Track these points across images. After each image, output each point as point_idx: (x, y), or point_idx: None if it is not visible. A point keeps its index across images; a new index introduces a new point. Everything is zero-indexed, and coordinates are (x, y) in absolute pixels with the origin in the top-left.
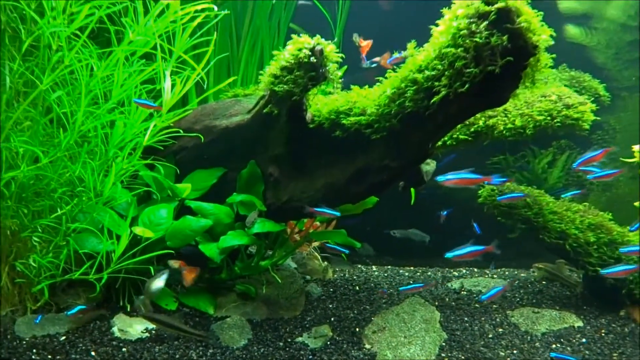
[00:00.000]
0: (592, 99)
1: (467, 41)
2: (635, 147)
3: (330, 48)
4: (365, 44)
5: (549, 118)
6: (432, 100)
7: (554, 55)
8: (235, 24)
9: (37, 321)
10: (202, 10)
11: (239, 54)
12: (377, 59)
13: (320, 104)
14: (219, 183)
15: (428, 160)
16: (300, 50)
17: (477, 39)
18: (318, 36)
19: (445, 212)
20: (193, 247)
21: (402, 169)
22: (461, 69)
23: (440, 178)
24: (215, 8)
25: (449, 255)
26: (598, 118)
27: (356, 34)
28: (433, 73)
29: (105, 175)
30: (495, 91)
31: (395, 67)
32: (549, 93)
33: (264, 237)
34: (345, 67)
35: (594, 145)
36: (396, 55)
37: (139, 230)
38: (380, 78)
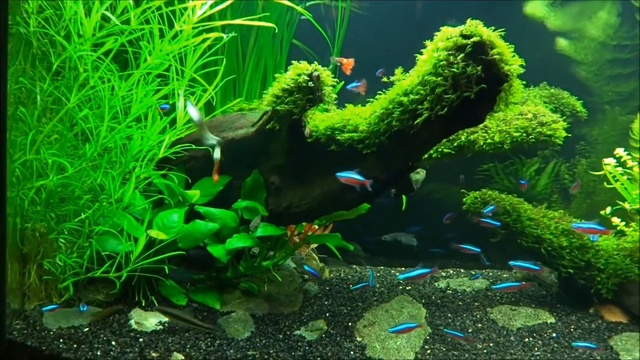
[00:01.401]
0: (570, 114)
1: (446, 71)
2: (606, 160)
3: (326, 74)
4: (347, 62)
5: (524, 134)
6: (416, 121)
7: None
8: (241, 42)
9: (84, 309)
10: (212, 29)
11: (244, 70)
12: (361, 85)
13: (318, 120)
14: (225, 190)
15: (418, 170)
16: (299, 75)
17: (455, 69)
18: (315, 63)
19: (448, 215)
20: (201, 249)
21: (390, 180)
22: (441, 95)
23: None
24: (225, 36)
25: (400, 277)
26: (569, 135)
27: (333, 57)
28: (417, 97)
29: (124, 183)
30: (473, 112)
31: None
32: (525, 111)
33: (266, 239)
34: (342, 82)
35: (577, 155)
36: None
37: (154, 233)
38: (370, 99)
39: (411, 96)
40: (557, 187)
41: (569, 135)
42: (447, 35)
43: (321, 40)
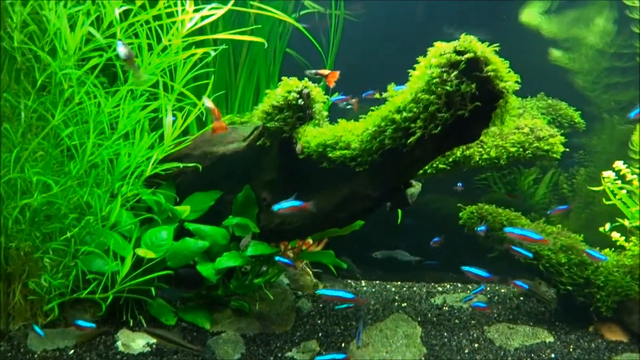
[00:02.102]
0: (568, 125)
1: (439, 89)
2: (605, 174)
3: (316, 91)
4: (330, 75)
5: (521, 149)
6: (409, 140)
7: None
8: (234, 53)
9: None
10: (202, 42)
11: (236, 81)
12: (352, 101)
13: (310, 136)
14: (216, 205)
15: (413, 183)
16: (289, 92)
17: (448, 87)
18: (306, 79)
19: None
20: (191, 267)
21: (383, 198)
22: (434, 113)
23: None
24: (212, 52)
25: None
26: (567, 149)
27: (309, 71)
28: (410, 115)
29: (112, 201)
30: (467, 129)
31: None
32: (522, 125)
33: (257, 256)
34: (337, 93)
35: (576, 165)
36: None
37: (141, 251)
38: (362, 117)
39: (404, 114)
40: (555, 198)
41: (567, 149)
42: (440, 51)
43: (316, 49)
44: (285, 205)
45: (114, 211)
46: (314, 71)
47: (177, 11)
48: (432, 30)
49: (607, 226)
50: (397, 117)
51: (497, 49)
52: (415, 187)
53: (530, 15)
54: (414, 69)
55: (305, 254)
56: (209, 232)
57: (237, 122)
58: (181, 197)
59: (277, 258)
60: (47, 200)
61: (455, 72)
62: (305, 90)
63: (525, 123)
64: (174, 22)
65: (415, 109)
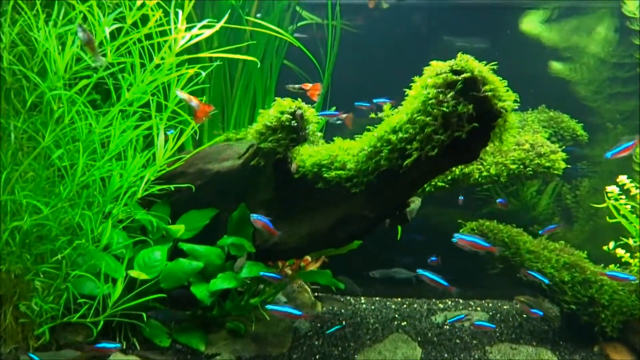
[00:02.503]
0: (570, 138)
1: (435, 110)
2: (609, 189)
3: (310, 112)
4: (312, 88)
5: (522, 166)
6: (405, 162)
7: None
8: (229, 67)
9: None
10: (197, 58)
11: (232, 96)
12: (343, 116)
13: (305, 154)
14: (212, 223)
15: (413, 198)
16: (282, 113)
17: (445, 108)
18: (299, 100)
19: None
20: (185, 288)
21: (380, 219)
22: (431, 134)
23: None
24: (202, 73)
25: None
26: (568, 166)
27: (292, 85)
28: (406, 135)
29: (104, 221)
30: (466, 149)
31: None
32: (522, 141)
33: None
34: (334, 107)
35: (579, 176)
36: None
37: (134, 273)
38: (357, 136)
39: (400, 134)
40: (558, 209)
41: (569, 166)
42: (436, 70)
43: (316, 58)
44: (261, 219)
45: (106, 233)
46: (297, 86)
47: (169, 29)
48: (433, 39)
49: (612, 244)
50: (393, 137)
51: (494, 67)
52: (415, 203)
53: (530, 25)
54: (409, 87)
55: (302, 274)
56: (203, 252)
57: (233, 139)
58: (176, 215)
59: (261, 273)
60: (37, 222)
61: (452, 93)
62: (299, 112)
63: (525, 139)
64: (166, 41)
65: (411, 130)
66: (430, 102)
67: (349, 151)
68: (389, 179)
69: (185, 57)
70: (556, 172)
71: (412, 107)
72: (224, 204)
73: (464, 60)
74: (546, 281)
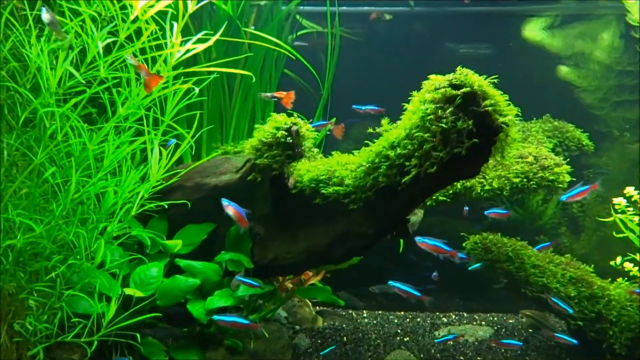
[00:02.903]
0: (576, 148)
1: (434, 126)
2: (615, 201)
3: (306, 127)
4: (286, 96)
5: (525, 180)
6: (403, 180)
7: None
8: (228, 78)
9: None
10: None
11: (231, 108)
12: (332, 127)
13: (303, 169)
14: (210, 238)
15: (415, 210)
16: (278, 129)
17: (444, 124)
18: (295, 115)
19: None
20: (181, 306)
21: (379, 235)
22: (429, 151)
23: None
24: (196, 89)
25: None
26: (573, 179)
27: (264, 93)
28: (404, 152)
29: (100, 237)
30: (466, 165)
31: None
32: (526, 154)
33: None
34: (334, 118)
35: (590, 180)
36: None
37: (130, 290)
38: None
39: (398, 150)
40: (565, 219)
41: (574, 179)
42: (435, 85)
43: (316, 68)
44: (233, 205)
45: (99, 251)
46: (269, 94)
47: (165, 43)
48: (436, 46)
49: (619, 260)
50: (391, 153)
51: (495, 80)
52: (417, 215)
53: (532, 32)
54: (408, 102)
55: (301, 290)
56: (200, 268)
57: (231, 152)
58: (174, 229)
59: (237, 277)
60: (31, 241)
61: (451, 108)
62: (294, 128)
63: (529, 151)
64: (161, 55)
65: (409, 146)
66: (428, 117)
67: (347, 166)
68: (388, 195)
69: (181, 70)
70: (560, 185)
71: (410, 123)
72: (222, 218)
73: (464, 74)
74: (570, 311)
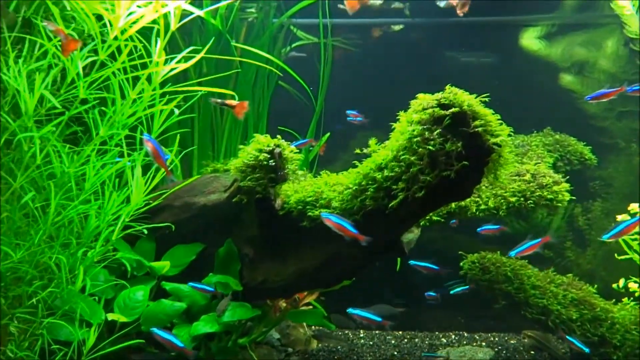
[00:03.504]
0: (578, 162)
1: (421, 149)
2: (619, 218)
3: (289, 149)
4: (238, 106)
5: (522, 199)
6: (390, 204)
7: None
8: (219, 93)
9: None
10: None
11: (222, 124)
12: (314, 143)
13: (290, 190)
14: (198, 258)
15: (412, 228)
16: (260, 151)
17: (431, 147)
18: (278, 137)
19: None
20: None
21: (369, 259)
22: (417, 174)
23: None
24: (176, 111)
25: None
26: (574, 197)
27: (214, 99)
28: (392, 174)
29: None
30: (457, 188)
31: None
32: (523, 172)
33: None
34: (328, 134)
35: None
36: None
37: (113, 316)
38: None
39: (385, 172)
40: (570, 233)
41: (574, 197)
42: (422, 104)
43: (312, 81)
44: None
45: (79, 277)
46: (219, 100)
47: (150, 61)
48: (435, 54)
49: (621, 282)
50: (378, 175)
51: (486, 99)
52: (414, 233)
53: (528, 40)
54: (395, 120)
55: (291, 314)
56: (187, 292)
57: (221, 170)
58: (163, 250)
59: (190, 283)
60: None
61: (439, 130)
62: (277, 150)
63: (527, 168)
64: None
65: (397, 169)
66: (415, 139)
67: (335, 188)
68: (377, 217)
69: (168, 88)
70: (559, 204)
71: (397, 144)
72: (211, 238)
73: (453, 94)
74: (587, 350)
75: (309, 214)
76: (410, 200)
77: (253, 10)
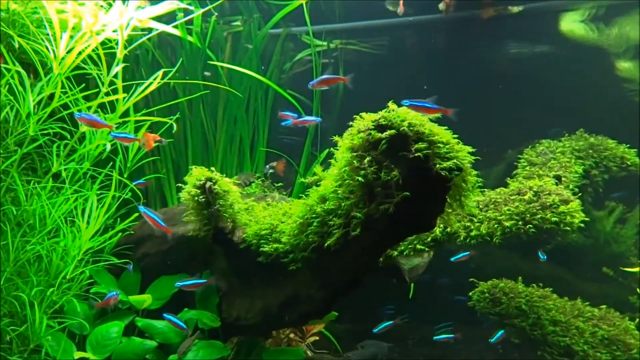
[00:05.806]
0: (618, 169)
1: (349, 181)
2: None
3: (223, 182)
4: (148, 139)
5: (520, 223)
6: (326, 243)
7: None
8: (211, 111)
9: None
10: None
11: (216, 143)
12: (274, 164)
13: (252, 221)
14: (181, 290)
15: (422, 252)
16: (194, 186)
17: (360, 178)
18: (213, 169)
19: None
20: None
21: (330, 299)
22: (351, 208)
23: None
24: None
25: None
26: (587, 219)
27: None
28: (332, 207)
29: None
30: (415, 218)
31: None
32: (524, 189)
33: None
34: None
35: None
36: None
37: (82, 354)
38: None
39: (327, 204)
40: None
41: (582, 225)
42: (358, 127)
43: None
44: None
45: (36, 319)
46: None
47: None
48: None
49: None
50: (319, 209)
51: (439, 116)
52: (423, 257)
53: (572, 25)
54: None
55: (268, 353)
56: (160, 329)
57: None
58: (148, 281)
59: (166, 316)
60: None
61: (368, 158)
62: (208, 184)
63: (530, 185)
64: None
65: (334, 201)
66: (344, 169)
67: (288, 221)
68: (328, 254)
69: (139, 116)
70: (567, 228)
71: (334, 173)
72: (193, 269)
73: (393, 113)
74: None
75: (262, 249)
76: (351, 238)
77: (238, 23)
